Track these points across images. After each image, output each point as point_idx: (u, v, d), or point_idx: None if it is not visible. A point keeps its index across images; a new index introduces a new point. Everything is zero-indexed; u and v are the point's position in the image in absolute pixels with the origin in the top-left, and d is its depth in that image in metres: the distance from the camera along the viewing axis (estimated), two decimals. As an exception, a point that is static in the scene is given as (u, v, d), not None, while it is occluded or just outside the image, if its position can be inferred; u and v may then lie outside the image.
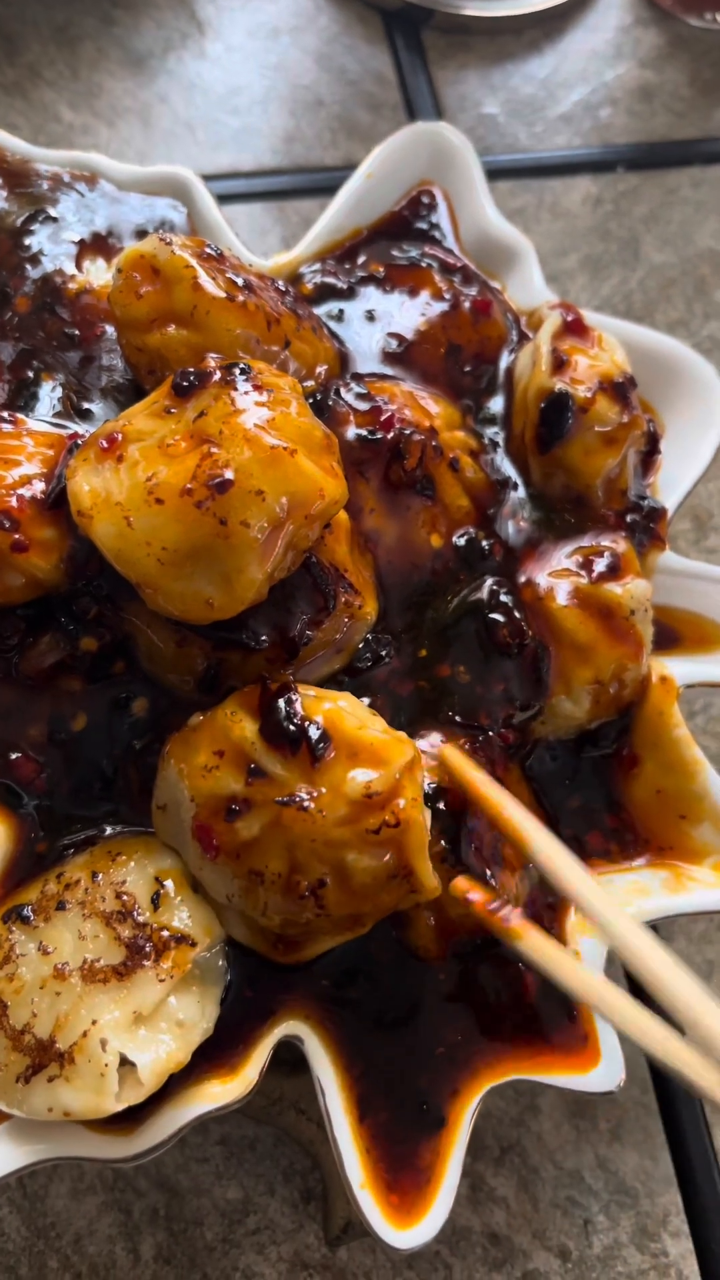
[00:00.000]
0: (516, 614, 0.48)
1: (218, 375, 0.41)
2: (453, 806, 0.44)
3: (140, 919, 0.40)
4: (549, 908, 0.47)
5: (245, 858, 0.39)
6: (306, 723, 0.39)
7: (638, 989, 0.39)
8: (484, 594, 0.49)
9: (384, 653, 0.47)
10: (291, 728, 0.38)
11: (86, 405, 0.51)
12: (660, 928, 0.60)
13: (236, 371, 0.41)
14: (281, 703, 0.39)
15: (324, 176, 0.79)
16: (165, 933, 0.40)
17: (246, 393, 0.40)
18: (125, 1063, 0.38)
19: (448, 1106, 0.43)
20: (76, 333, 0.52)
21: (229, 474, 0.37)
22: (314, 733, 0.38)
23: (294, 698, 0.39)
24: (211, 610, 0.39)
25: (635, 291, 0.78)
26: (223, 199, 0.59)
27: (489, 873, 0.44)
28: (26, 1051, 0.38)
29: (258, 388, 0.40)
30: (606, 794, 0.51)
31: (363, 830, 0.38)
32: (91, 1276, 0.50)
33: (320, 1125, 0.50)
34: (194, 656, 0.43)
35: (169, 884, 0.42)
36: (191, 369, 0.41)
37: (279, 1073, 0.49)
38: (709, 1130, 0.56)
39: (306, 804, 0.37)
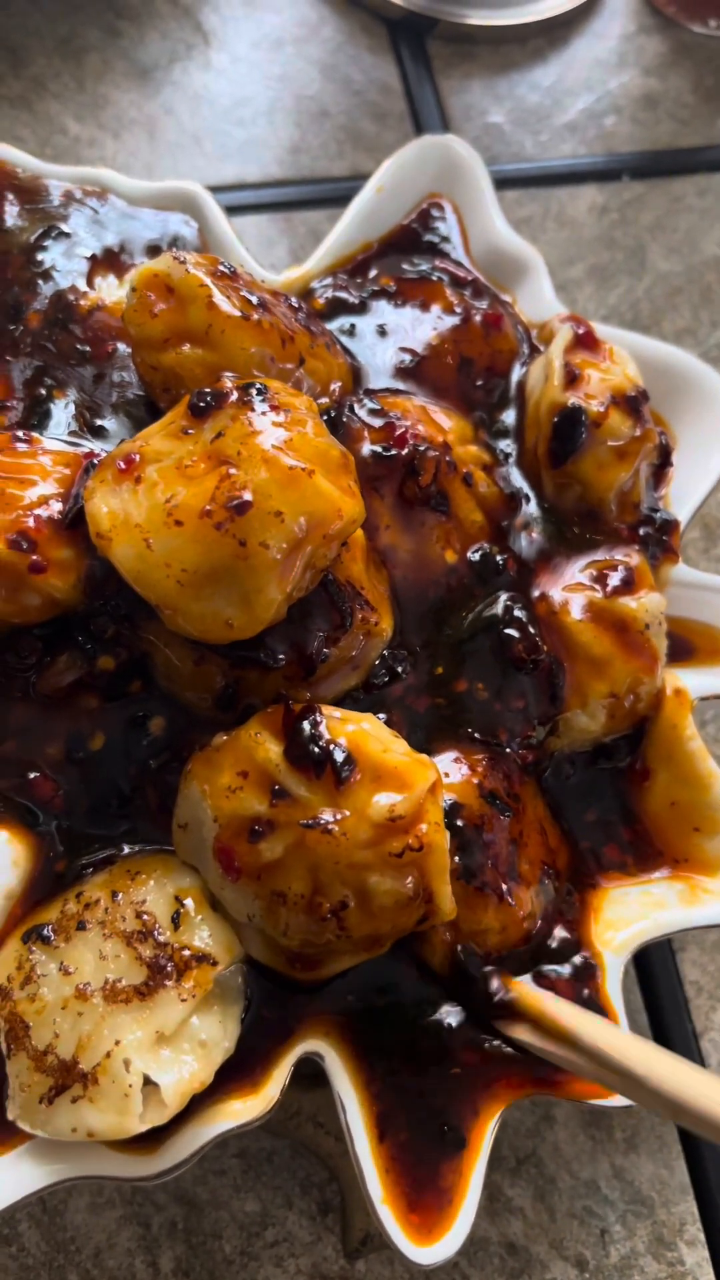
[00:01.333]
0: (531, 629, 0.48)
1: (234, 395, 0.41)
2: (470, 822, 0.44)
3: (161, 938, 0.40)
4: (567, 922, 0.47)
5: (267, 879, 0.39)
6: (331, 745, 0.39)
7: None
8: (498, 609, 0.49)
9: (400, 669, 0.47)
10: (316, 750, 0.39)
11: (100, 422, 0.51)
12: (674, 938, 0.61)
13: (253, 392, 0.41)
14: (306, 725, 0.39)
15: (330, 187, 0.79)
16: (186, 952, 0.40)
17: (264, 413, 0.40)
18: (148, 1083, 0.38)
19: (469, 1127, 0.43)
20: (88, 349, 0.52)
21: (247, 495, 0.37)
22: (339, 755, 0.39)
23: (319, 719, 0.40)
24: (231, 631, 0.39)
25: (642, 300, 0.78)
26: (230, 210, 0.59)
27: (505, 888, 0.44)
28: (49, 1072, 0.39)
29: (274, 408, 0.41)
30: (622, 807, 0.51)
31: (385, 853, 0.38)
32: (111, 1291, 0.51)
33: (338, 1138, 0.50)
34: (212, 675, 0.43)
35: (189, 903, 0.42)
36: (208, 389, 0.41)
37: (297, 1086, 0.49)
38: (724, 1139, 0.56)
39: (330, 827, 0.38)
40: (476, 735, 0.47)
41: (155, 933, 0.41)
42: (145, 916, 0.41)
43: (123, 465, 0.40)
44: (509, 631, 0.48)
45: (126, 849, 0.45)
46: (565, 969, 0.46)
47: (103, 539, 0.39)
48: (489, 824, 0.44)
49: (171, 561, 0.38)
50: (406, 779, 0.39)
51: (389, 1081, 0.43)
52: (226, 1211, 0.53)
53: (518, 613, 0.49)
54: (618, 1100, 0.44)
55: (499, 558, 0.50)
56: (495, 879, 0.44)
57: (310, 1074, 0.47)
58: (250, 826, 0.39)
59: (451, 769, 0.45)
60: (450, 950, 0.44)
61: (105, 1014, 0.39)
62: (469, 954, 0.43)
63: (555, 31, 0.88)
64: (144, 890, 0.42)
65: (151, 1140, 0.40)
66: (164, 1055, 0.39)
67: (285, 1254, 0.52)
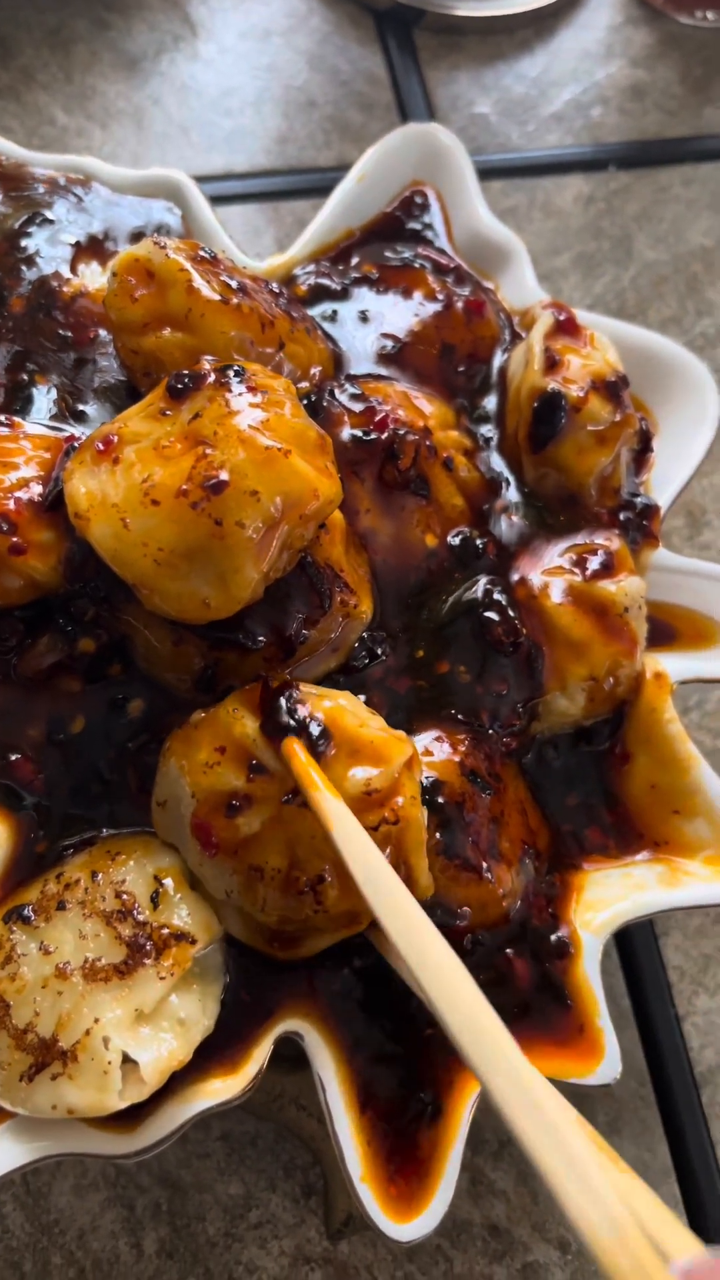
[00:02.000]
0: (510, 612, 0.49)
1: (212, 377, 0.41)
2: (450, 800, 0.44)
3: (140, 918, 0.41)
4: (546, 899, 0.47)
5: (244, 854, 0.39)
6: (308, 719, 0.39)
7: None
8: (478, 593, 0.49)
9: (380, 651, 0.47)
10: (292, 723, 0.39)
11: (81, 407, 0.51)
12: (656, 922, 0.61)
13: (231, 373, 0.41)
14: (282, 700, 0.39)
15: (317, 177, 0.79)
16: (165, 930, 0.41)
17: (240, 394, 0.40)
18: (127, 1060, 0.38)
19: (445, 1097, 0.43)
20: (70, 335, 0.53)
21: (224, 475, 0.38)
22: (315, 729, 0.39)
23: (295, 694, 0.40)
24: (208, 610, 0.39)
25: (628, 289, 0.78)
26: (216, 200, 0.59)
27: (485, 865, 0.44)
28: (29, 1050, 0.39)
29: (252, 389, 0.41)
30: (603, 790, 0.51)
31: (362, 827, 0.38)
32: (95, 1272, 0.51)
33: (320, 1120, 0.50)
34: (191, 656, 0.43)
35: (168, 882, 0.42)
36: (186, 371, 0.42)
37: (279, 1069, 0.49)
38: (706, 1122, 0.56)
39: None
40: (459, 716, 0.47)
41: (134, 912, 0.41)
42: (125, 896, 0.41)
43: (101, 447, 0.40)
44: (488, 614, 0.48)
45: (107, 830, 0.45)
46: (539, 948, 0.46)
47: (80, 519, 0.39)
48: (470, 802, 0.44)
49: (148, 541, 0.38)
50: (383, 753, 0.39)
51: (368, 1056, 0.43)
52: (210, 1194, 0.53)
53: (497, 596, 0.49)
54: (596, 1079, 0.44)
55: (479, 541, 0.50)
56: (475, 856, 0.44)
57: (292, 1056, 0.47)
58: (228, 801, 0.39)
59: (433, 747, 0.45)
60: None
61: (85, 992, 0.39)
62: None
63: (542, 22, 0.88)
64: (123, 870, 0.42)
65: (131, 1118, 0.40)
66: (143, 1033, 0.39)
67: (269, 1236, 0.52)
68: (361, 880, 0.36)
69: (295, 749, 0.38)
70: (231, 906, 0.41)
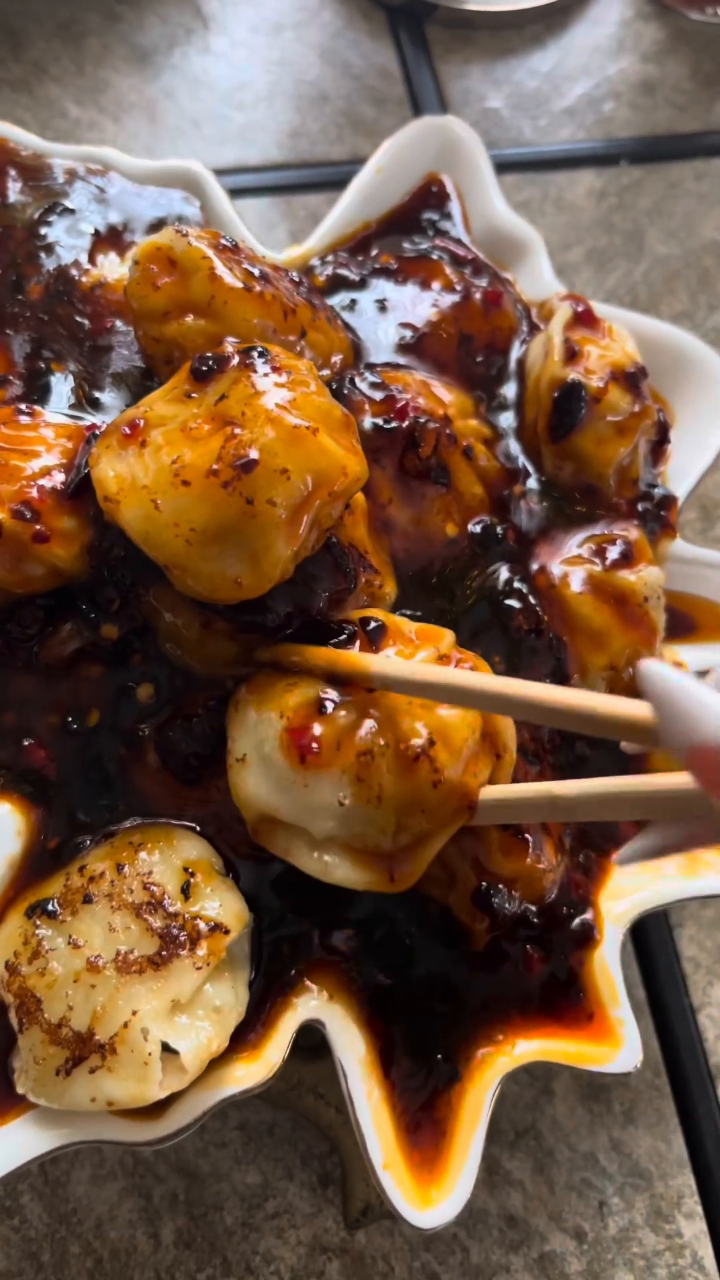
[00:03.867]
0: (531, 600, 0.49)
1: (236, 359, 0.41)
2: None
3: (172, 909, 0.41)
4: (584, 872, 0.48)
5: (348, 745, 0.38)
6: (354, 623, 0.42)
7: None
8: (499, 582, 0.49)
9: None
10: (347, 631, 0.41)
11: (97, 395, 0.51)
12: (671, 914, 0.61)
13: (254, 354, 0.41)
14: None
15: (330, 171, 0.79)
16: (199, 922, 0.40)
17: (266, 375, 0.40)
18: (166, 1050, 0.38)
19: (462, 1065, 0.44)
20: (87, 324, 0.53)
21: (254, 454, 0.38)
22: (370, 624, 0.41)
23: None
24: (240, 589, 0.39)
25: (640, 284, 0.79)
26: (230, 194, 0.59)
27: (534, 839, 0.44)
28: (65, 1044, 0.38)
29: (276, 369, 0.41)
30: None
31: None
32: (113, 1261, 0.51)
33: (338, 1109, 0.50)
34: (220, 638, 0.43)
35: (198, 874, 0.42)
36: (209, 353, 0.42)
37: (298, 1058, 0.49)
38: (722, 1113, 0.57)
39: None
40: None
41: (165, 903, 0.41)
42: (153, 888, 0.41)
43: (127, 430, 0.40)
44: (509, 603, 0.48)
45: (126, 823, 0.45)
46: (560, 931, 0.46)
47: (110, 502, 0.39)
48: (520, 773, 0.44)
49: (180, 521, 0.38)
50: (436, 635, 0.42)
51: (386, 1030, 0.43)
52: (228, 1183, 0.53)
53: (518, 584, 0.49)
54: (615, 1067, 0.44)
55: (499, 528, 0.50)
56: (527, 827, 0.44)
57: (310, 1046, 0.48)
58: (318, 704, 0.39)
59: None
60: (475, 890, 0.44)
61: (119, 985, 0.39)
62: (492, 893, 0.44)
63: (553, 17, 0.88)
64: (149, 862, 0.42)
65: (156, 1105, 0.40)
66: (180, 1023, 0.39)
67: (286, 1225, 0.52)
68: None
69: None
70: (337, 845, 0.40)
